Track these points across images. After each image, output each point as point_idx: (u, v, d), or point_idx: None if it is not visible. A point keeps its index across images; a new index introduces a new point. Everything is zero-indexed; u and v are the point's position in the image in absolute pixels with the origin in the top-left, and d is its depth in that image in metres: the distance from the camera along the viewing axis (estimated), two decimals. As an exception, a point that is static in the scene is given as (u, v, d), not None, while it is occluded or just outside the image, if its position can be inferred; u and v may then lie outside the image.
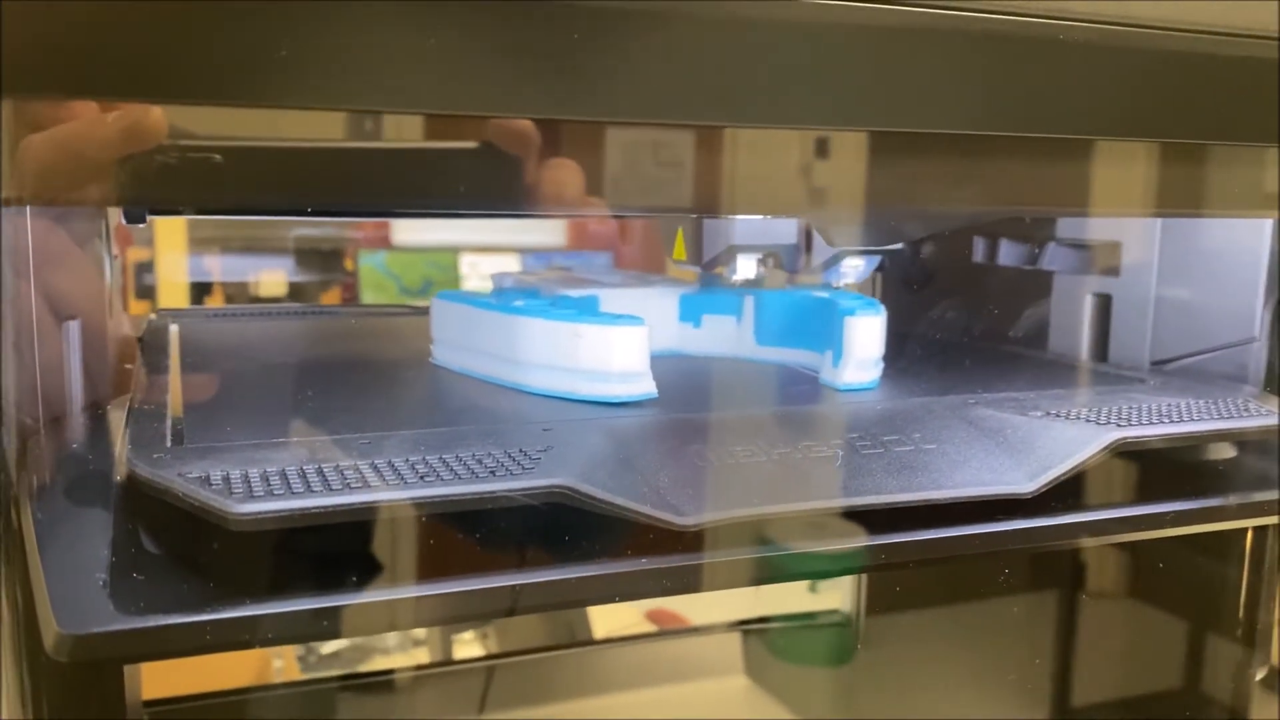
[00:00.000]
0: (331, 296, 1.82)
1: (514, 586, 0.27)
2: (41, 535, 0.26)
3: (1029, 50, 0.29)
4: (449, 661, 0.81)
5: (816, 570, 0.31)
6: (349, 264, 1.81)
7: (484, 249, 1.96)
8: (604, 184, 0.30)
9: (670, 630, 0.91)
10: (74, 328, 0.35)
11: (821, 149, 0.31)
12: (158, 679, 0.61)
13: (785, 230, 0.45)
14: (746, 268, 0.45)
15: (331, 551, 0.28)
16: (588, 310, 0.41)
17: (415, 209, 0.36)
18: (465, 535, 0.29)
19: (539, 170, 0.29)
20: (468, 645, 1.20)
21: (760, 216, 0.43)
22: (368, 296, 1.88)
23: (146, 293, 1.60)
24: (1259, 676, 0.46)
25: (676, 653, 0.75)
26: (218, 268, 1.71)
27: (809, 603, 0.76)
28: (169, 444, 0.31)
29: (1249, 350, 0.44)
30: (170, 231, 1.62)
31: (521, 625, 1.15)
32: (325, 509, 0.26)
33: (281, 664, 1.18)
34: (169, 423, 0.33)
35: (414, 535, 0.28)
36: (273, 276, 1.71)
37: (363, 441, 0.31)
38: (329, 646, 1.27)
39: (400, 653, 1.26)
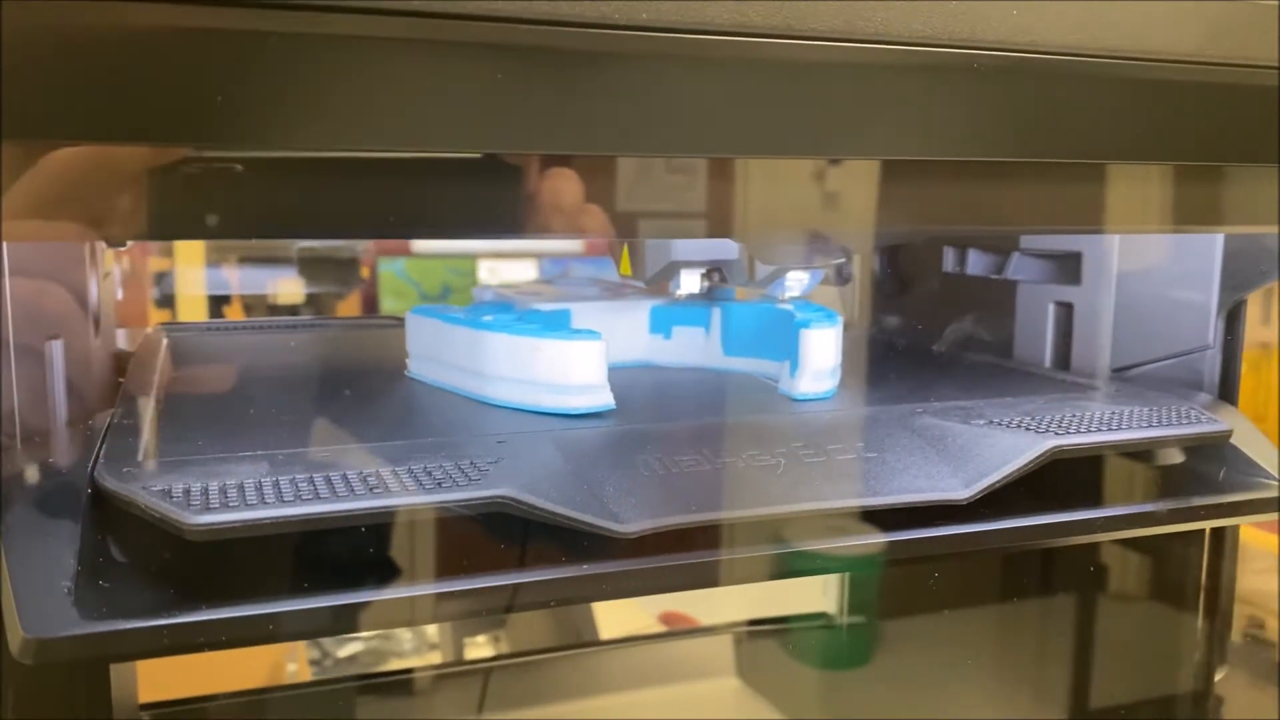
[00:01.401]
0: (350, 304, 1.84)
1: (453, 591, 0.29)
2: (10, 545, 0.28)
3: (1008, 82, 0.30)
4: (446, 664, 0.82)
5: (753, 574, 0.33)
6: (364, 272, 1.84)
7: (502, 255, 1.98)
8: (604, 195, 0.31)
9: (666, 633, 0.92)
10: (57, 346, 0.37)
11: (807, 180, 0.33)
12: (156, 681, 0.63)
13: (728, 245, 0.46)
14: (690, 283, 0.46)
15: (285, 559, 0.30)
16: (555, 325, 0.43)
17: (421, 230, 0.38)
18: (418, 542, 0.31)
19: (539, 179, 0.31)
20: (479, 648, 1.22)
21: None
22: (387, 304, 1.90)
23: (167, 303, 1.63)
24: (1218, 677, 0.47)
25: (672, 654, 0.77)
26: (236, 278, 1.74)
27: (812, 605, 0.77)
28: (140, 457, 0.33)
29: (1204, 358, 0.45)
30: (189, 245, 1.64)
31: (529, 627, 1.17)
32: (275, 520, 0.28)
33: (295, 668, 1.20)
34: (144, 436, 0.35)
35: (361, 544, 0.30)
36: (290, 286, 1.73)
37: (321, 455, 0.32)
38: (344, 650, 1.30)
39: (414, 656, 1.28)
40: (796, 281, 0.46)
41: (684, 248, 0.45)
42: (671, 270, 0.46)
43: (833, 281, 0.48)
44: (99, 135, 0.24)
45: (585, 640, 1.01)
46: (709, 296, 0.48)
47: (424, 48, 0.25)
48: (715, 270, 0.47)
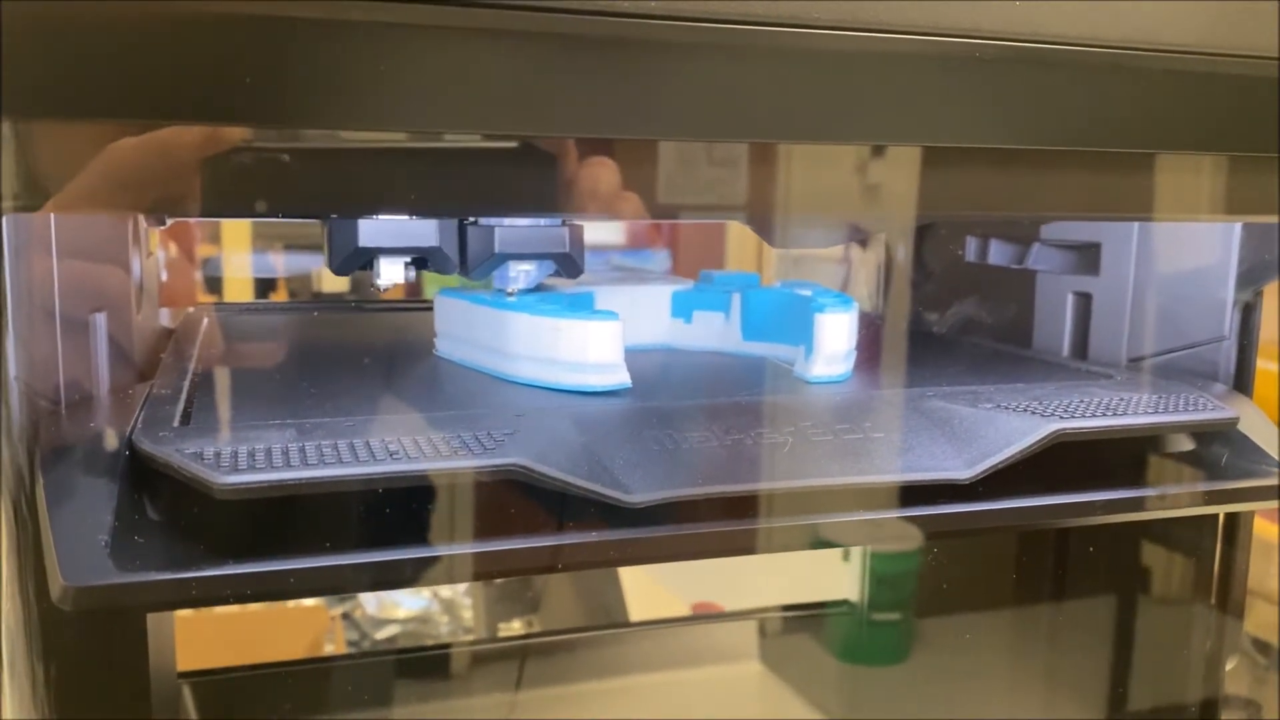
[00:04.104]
0: (395, 292, 1.87)
1: (465, 553, 0.30)
2: (51, 502, 0.30)
3: (1010, 71, 0.31)
4: (477, 642, 0.84)
5: (757, 546, 0.34)
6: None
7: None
8: (640, 185, 0.33)
9: (690, 617, 0.94)
10: (101, 319, 0.39)
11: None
12: (198, 651, 0.65)
13: (428, 231, 0.40)
14: (392, 273, 0.40)
15: (308, 520, 0.31)
16: (575, 306, 0.44)
17: (459, 210, 0.39)
18: (435, 507, 0.32)
19: (576, 167, 0.32)
20: (513, 632, 1.24)
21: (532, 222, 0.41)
22: (430, 288, 1.92)
23: (214, 286, 1.66)
24: (1229, 666, 0.47)
25: (697, 639, 0.78)
26: (281, 264, 1.77)
27: (836, 593, 0.78)
28: (176, 424, 0.34)
29: (1220, 348, 0.46)
30: (236, 230, 1.68)
31: (562, 612, 1.19)
32: (298, 481, 0.29)
33: (333, 649, 1.23)
34: (181, 405, 0.36)
35: (380, 506, 0.31)
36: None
37: (347, 424, 0.34)
38: (382, 633, 1.32)
39: (450, 639, 1.30)
40: (521, 273, 0.43)
41: (375, 233, 0.39)
42: (360, 257, 0.40)
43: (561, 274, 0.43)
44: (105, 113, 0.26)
45: (615, 623, 1.02)
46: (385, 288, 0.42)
47: (465, 35, 0.26)
48: (420, 259, 0.41)
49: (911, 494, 0.35)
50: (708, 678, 0.75)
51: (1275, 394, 0.55)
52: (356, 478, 0.30)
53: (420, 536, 0.31)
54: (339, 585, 0.30)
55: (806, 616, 0.76)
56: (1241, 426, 0.40)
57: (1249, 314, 0.45)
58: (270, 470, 0.30)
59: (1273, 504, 0.39)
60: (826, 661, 0.76)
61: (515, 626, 1.24)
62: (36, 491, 0.30)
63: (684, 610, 1.25)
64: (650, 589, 1.28)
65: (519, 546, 0.31)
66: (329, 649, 1.21)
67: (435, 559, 0.30)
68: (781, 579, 0.85)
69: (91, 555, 0.29)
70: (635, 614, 1.16)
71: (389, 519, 0.32)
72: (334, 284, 1.74)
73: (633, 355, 0.41)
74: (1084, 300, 0.50)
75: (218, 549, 0.30)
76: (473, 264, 0.41)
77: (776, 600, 0.79)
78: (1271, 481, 0.39)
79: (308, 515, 0.32)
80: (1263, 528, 1.04)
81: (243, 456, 0.31)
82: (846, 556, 0.77)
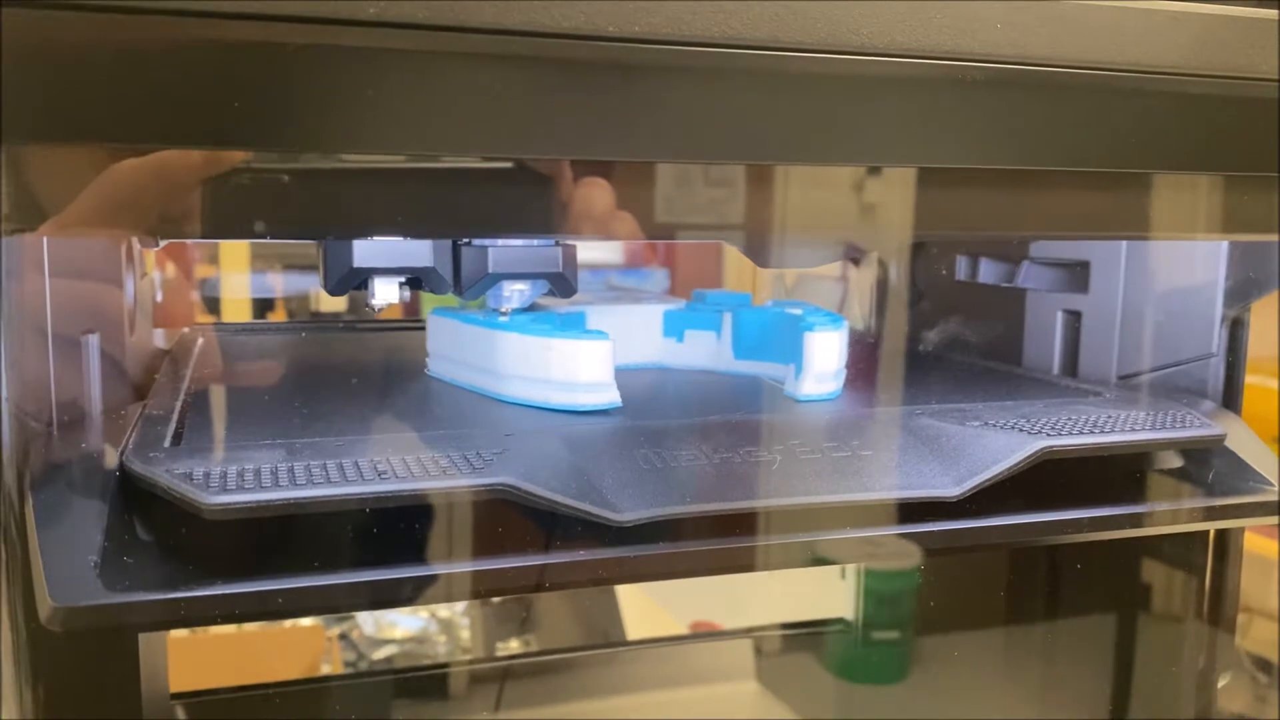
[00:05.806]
0: (392, 312, 1.87)
1: (453, 573, 0.30)
2: (41, 522, 0.30)
3: (995, 92, 0.32)
4: (473, 661, 0.84)
5: (745, 564, 0.34)
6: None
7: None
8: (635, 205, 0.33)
9: (685, 636, 0.93)
10: (93, 340, 0.39)
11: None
12: (194, 673, 0.65)
13: (422, 251, 0.40)
14: (387, 292, 0.40)
15: (298, 540, 0.31)
16: (566, 326, 0.44)
17: (454, 232, 0.39)
18: (424, 527, 0.32)
19: (571, 188, 0.33)
20: (510, 651, 1.24)
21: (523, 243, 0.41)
22: (427, 309, 1.92)
23: (212, 307, 1.67)
24: (1221, 684, 0.47)
25: (692, 658, 0.78)
26: (280, 284, 1.77)
27: (831, 612, 0.78)
28: (167, 444, 0.34)
29: (1209, 365, 0.46)
30: (234, 251, 1.68)
31: (558, 632, 1.19)
32: (286, 501, 0.30)
33: (329, 670, 1.23)
34: (172, 425, 0.37)
35: (369, 526, 0.31)
36: (333, 293, 1.75)
37: (336, 444, 0.34)
38: (379, 653, 1.32)
39: (447, 659, 1.29)
40: (515, 292, 0.43)
41: (369, 254, 0.39)
42: (355, 278, 0.40)
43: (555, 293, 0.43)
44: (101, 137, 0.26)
45: (611, 642, 1.02)
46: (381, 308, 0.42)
47: (456, 60, 0.27)
48: (415, 279, 0.41)
49: (900, 512, 0.35)
50: (705, 697, 0.75)
51: (1276, 410, 0.55)
52: (344, 498, 0.30)
53: (410, 556, 0.31)
54: (328, 605, 0.30)
55: (803, 635, 0.76)
56: (1230, 443, 0.40)
57: (1237, 331, 0.45)
58: (259, 490, 0.30)
59: (1261, 521, 0.39)
60: (824, 680, 0.76)
61: (513, 646, 1.24)
62: (26, 512, 0.30)
63: (682, 629, 1.25)
64: (648, 609, 1.27)
65: (508, 566, 0.31)
66: (326, 670, 1.21)
67: (424, 578, 0.30)
68: (779, 598, 0.85)
69: (80, 575, 0.29)
70: (632, 633, 1.16)
71: (378, 539, 0.32)
72: (332, 304, 1.75)
73: (624, 374, 0.41)
74: (1073, 318, 0.50)
75: (207, 569, 0.30)
76: (466, 284, 0.41)
77: (774, 619, 0.79)
78: (1260, 498, 0.39)
79: (297, 535, 0.32)
80: (1263, 545, 1.03)
81: (232, 477, 0.31)
82: (843, 575, 0.77)
